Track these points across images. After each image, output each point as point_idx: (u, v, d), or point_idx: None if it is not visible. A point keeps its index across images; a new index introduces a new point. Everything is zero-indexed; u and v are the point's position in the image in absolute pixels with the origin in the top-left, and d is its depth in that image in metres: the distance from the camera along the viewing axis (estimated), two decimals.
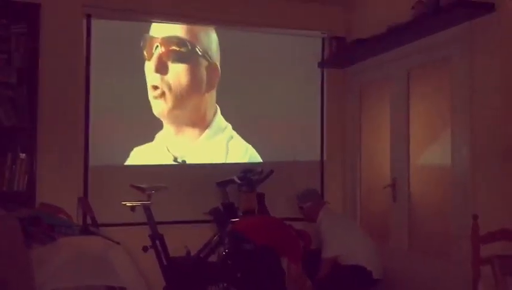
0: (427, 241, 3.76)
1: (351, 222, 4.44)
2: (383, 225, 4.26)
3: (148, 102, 4.38)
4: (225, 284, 4.19)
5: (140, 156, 4.35)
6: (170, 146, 4.43)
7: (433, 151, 3.76)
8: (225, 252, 4.24)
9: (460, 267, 3.26)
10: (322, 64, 4.87)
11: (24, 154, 3.80)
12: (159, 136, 4.40)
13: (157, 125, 4.41)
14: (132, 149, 4.34)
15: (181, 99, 4.43)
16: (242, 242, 3.80)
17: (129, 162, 4.34)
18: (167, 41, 4.42)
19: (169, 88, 4.40)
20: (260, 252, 3.71)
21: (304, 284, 4.20)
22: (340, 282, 3.85)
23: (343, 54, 4.62)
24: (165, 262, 4.04)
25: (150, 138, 4.39)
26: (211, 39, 4.58)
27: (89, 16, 4.21)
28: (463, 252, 3.21)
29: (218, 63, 4.58)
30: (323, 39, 4.89)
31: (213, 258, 4.32)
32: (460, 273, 3.24)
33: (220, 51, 4.58)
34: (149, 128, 4.38)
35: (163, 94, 4.38)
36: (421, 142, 3.89)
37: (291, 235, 3.88)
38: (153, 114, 4.39)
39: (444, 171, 3.60)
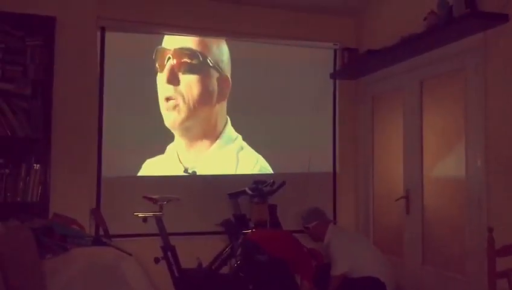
0: (441, 255, 3.70)
1: (360, 237, 4.38)
2: (396, 238, 4.21)
3: (160, 114, 4.40)
4: None
5: (152, 167, 4.37)
6: (181, 157, 4.45)
7: (447, 163, 3.72)
8: (237, 263, 4.22)
9: (475, 282, 3.21)
10: (334, 76, 4.86)
11: (38, 165, 3.83)
12: (170, 147, 4.42)
13: (168, 137, 4.43)
14: (144, 161, 4.36)
15: (193, 110, 4.46)
16: (256, 253, 3.75)
17: (141, 173, 4.35)
18: (179, 53, 4.45)
19: (183, 99, 4.43)
20: (274, 264, 3.67)
21: None
22: None
23: (355, 65, 4.62)
24: (176, 274, 4.03)
25: (162, 150, 4.41)
26: (222, 51, 4.60)
27: (103, 29, 4.27)
28: (478, 266, 3.16)
29: (229, 75, 4.60)
30: (335, 50, 4.89)
31: (225, 270, 4.30)
32: (475, 287, 3.19)
33: (231, 62, 4.61)
34: (161, 140, 4.40)
35: (176, 106, 4.41)
36: (435, 153, 3.85)
37: (303, 252, 3.85)
38: (165, 126, 4.41)
39: (458, 183, 3.56)
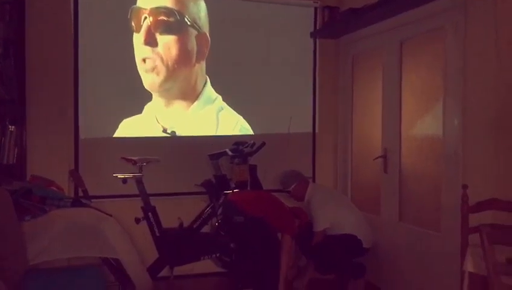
0: (417, 212, 3.80)
1: (338, 194, 4.49)
2: (373, 196, 4.30)
3: (137, 73, 4.32)
4: (218, 254, 4.25)
5: (129, 128, 4.32)
6: (160, 117, 4.40)
7: (424, 122, 3.77)
8: (218, 223, 4.27)
9: (449, 237, 3.31)
10: (314, 35, 4.81)
11: (13, 127, 3.77)
12: (148, 107, 4.36)
13: (146, 96, 4.36)
14: (121, 121, 4.31)
15: (172, 71, 4.38)
16: (233, 214, 3.84)
17: (118, 134, 4.30)
18: (155, 12, 4.33)
19: (161, 60, 4.34)
20: (251, 224, 3.74)
21: (297, 257, 4.27)
22: (332, 250, 3.91)
23: (335, 24, 4.57)
24: (157, 233, 4.07)
25: (139, 110, 4.35)
26: (199, 7, 4.49)
27: None
28: (453, 223, 3.25)
29: (207, 32, 4.51)
30: (315, 8, 4.82)
31: (206, 229, 4.36)
32: (449, 243, 3.30)
33: (210, 21, 4.51)
34: (138, 99, 4.33)
35: (154, 67, 4.32)
36: (413, 113, 3.89)
37: (284, 209, 3.92)
38: (142, 86, 4.33)
39: (435, 142, 3.61)
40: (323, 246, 3.97)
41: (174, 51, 4.36)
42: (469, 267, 2.54)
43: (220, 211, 4.15)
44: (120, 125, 4.30)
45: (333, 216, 4.01)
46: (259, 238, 3.77)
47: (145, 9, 4.31)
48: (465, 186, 2.99)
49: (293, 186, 4.21)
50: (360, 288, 3.99)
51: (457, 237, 3.06)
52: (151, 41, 4.29)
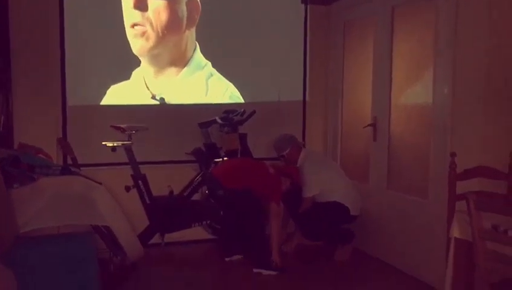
0: (405, 180, 3.84)
1: (329, 161, 4.51)
2: (363, 164, 4.33)
3: (125, 38, 4.23)
4: (208, 222, 4.29)
5: (117, 94, 4.26)
6: (148, 83, 4.34)
7: (414, 91, 3.77)
8: (208, 191, 4.29)
9: (437, 204, 3.36)
10: (305, 0, 4.73)
11: None
12: (136, 73, 4.29)
13: (134, 62, 4.29)
14: (109, 87, 4.24)
15: (162, 37, 4.30)
16: (215, 188, 3.89)
17: (106, 100, 4.25)
18: None
19: (151, 26, 4.25)
20: (231, 197, 3.80)
21: (285, 223, 4.31)
22: (320, 218, 3.96)
23: None
24: (148, 201, 4.08)
25: (127, 76, 4.28)
26: None
27: None
28: (440, 190, 3.29)
29: None
30: None
31: (196, 197, 4.38)
32: (436, 209, 3.35)
33: None
34: (126, 65, 4.26)
35: (144, 32, 4.24)
36: (404, 81, 3.88)
37: (269, 176, 3.93)
38: (130, 51, 4.25)
39: (424, 110, 3.62)
40: (311, 213, 4.01)
41: (164, 17, 4.27)
42: (455, 233, 2.59)
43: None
44: (108, 92, 4.24)
45: (323, 183, 4.05)
46: (241, 210, 3.82)
47: None
48: (453, 154, 3.02)
49: (287, 150, 4.21)
50: (347, 253, 4.06)
51: (444, 204, 3.10)
52: (141, 5, 4.19)
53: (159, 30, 4.25)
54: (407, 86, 3.83)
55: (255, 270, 3.73)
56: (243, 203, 3.79)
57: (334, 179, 4.12)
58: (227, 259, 3.98)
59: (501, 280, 2.33)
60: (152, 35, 4.24)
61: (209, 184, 4.10)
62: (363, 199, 4.14)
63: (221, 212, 4.09)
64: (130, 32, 4.22)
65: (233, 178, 3.82)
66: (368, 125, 4.17)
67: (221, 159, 4.27)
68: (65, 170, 3.46)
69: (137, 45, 4.24)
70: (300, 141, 4.54)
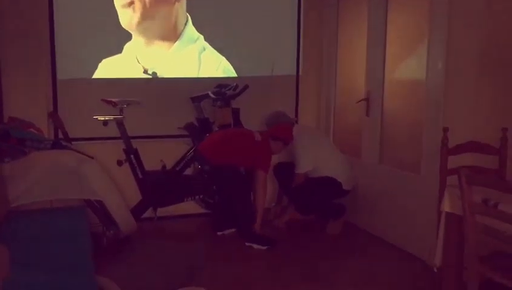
0: (398, 155, 3.86)
1: (322, 137, 4.51)
2: (355, 139, 4.34)
3: (116, 11, 4.15)
4: (201, 196, 4.30)
5: (109, 68, 4.20)
6: (140, 57, 4.28)
7: (408, 66, 3.75)
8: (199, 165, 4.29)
9: (429, 179, 3.38)
10: None
11: None
12: (127, 47, 4.23)
13: (125, 36, 4.22)
14: (100, 61, 4.18)
15: (150, 8, 4.21)
16: (202, 163, 3.94)
17: (98, 74, 4.19)
18: None
19: None
20: (216, 171, 3.83)
21: (279, 197, 4.35)
22: (312, 192, 3.99)
23: None
24: (140, 176, 4.08)
25: (119, 50, 4.22)
26: None
27: None
28: (432, 165, 3.31)
29: None
30: None
31: (189, 171, 4.38)
32: (428, 184, 3.37)
33: None
34: (118, 38, 4.19)
35: (131, 2, 4.15)
36: (397, 56, 3.85)
37: (256, 144, 3.90)
38: (121, 25, 4.18)
39: (418, 85, 3.61)
40: (304, 188, 4.03)
41: None
42: (446, 207, 2.61)
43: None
44: (99, 65, 4.18)
45: (315, 159, 4.05)
46: (226, 185, 3.86)
47: None
48: (445, 129, 3.02)
49: None
50: (338, 227, 4.11)
51: (436, 178, 3.12)
52: None
53: (147, 1, 4.16)
54: (401, 61, 3.81)
55: (247, 244, 3.76)
56: (227, 178, 3.81)
57: (327, 155, 4.13)
58: (219, 233, 4.00)
59: (490, 253, 2.37)
60: (139, 6, 4.15)
61: (197, 160, 4.12)
62: (355, 174, 4.16)
63: (214, 187, 4.10)
64: (117, 2, 4.13)
65: (218, 153, 3.82)
66: (361, 100, 4.16)
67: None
68: (56, 144, 3.45)
69: (126, 17, 4.16)
70: (292, 117, 4.52)
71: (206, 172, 4.00)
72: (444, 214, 2.64)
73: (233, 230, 3.99)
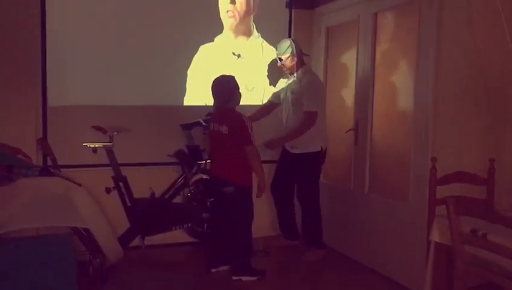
0: (386, 184, 3.87)
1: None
2: (344, 168, 4.35)
3: (107, 40, 4.18)
4: (190, 225, 4.26)
5: (101, 96, 4.21)
6: (229, 45, 4.60)
7: (396, 95, 3.80)
8: (190, 193, 4.27)
9: (417, 208, 3.39)
10: (289, 4, 4.75)
11: None
12: (219, 37, 4.55)
13: (117, 64, 4.24)
14: (91, 89, 4.19)
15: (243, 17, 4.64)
16: (223, 186, 3.65)
17: (89, 102, 4.19)
18: None
19: (237, 11, 4.59)
20: (237, 192, 3.64)
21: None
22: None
23: None
24: (129, 203, 4.04)
25: (109, 76, 4.22)
26: None
27: None
28: (421, 194, 3.33)
29: None
30: None
31: (178, 200, 4.35)
32: (417, 213, 3.38)
33: None
34: (108, 65, 4.21)
35: (234, 15, 4.58)
36: (386, 86, 3.91)
37: (230, 124, 3.63)
38: (111, 52, 4.20)
39: (406, 115, 3.66)
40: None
41: (243, 6, 4.65)
42: (435, 237, 2.62)
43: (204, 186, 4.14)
44: (200, 49, 4.46)
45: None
46: (238, 206, 3.67)
47: None
48: (433, 159, 3.06)
49: (286, 55, 4.08)
50: (317, 255, 4.09)
51: (424, 208, 3.13)
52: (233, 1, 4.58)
53: (241, 14, 4.61)
54: (390, 90, 3.87)
55: (234, 278, 3.65)
56: (241, 201, 3.64)
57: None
58: (213, 270, 3.80)
59: (479, 283, 2.36)
60: (237, 17, 4.59)
61: (214, 186, 3.82)
62: (345, 203, 4.17)
63: (204, 215, 4.06)
64: (224, 15, 4.55)
65: (230, 167, 3.63)
66: (350, 129, 4.20)
67: (204, 162, 4.25)
68: (44, 171, 3.41)
69: (229, 23, 4.59)
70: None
71: (222, 196, 3.70)
72: (433, 244, 2.65)
73: (226, 267, 3.80)
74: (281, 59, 4.14)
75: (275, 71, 4.51)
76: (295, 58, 4.08)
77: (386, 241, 3.77)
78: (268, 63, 4.66)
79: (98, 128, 3.92)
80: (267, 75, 4.70)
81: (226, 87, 3.69)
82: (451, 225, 2.25)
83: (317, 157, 4.12)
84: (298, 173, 4.15)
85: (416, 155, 3.49)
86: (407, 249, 3.52)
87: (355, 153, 4.19)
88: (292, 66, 4.11)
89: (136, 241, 4.09)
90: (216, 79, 3.75)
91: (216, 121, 3.72)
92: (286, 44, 4.11)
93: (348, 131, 4.22)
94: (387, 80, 3.91)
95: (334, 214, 4.36)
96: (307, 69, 4.19)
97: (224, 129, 3.62)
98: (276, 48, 4.27)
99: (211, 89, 3.74)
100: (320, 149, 4.11)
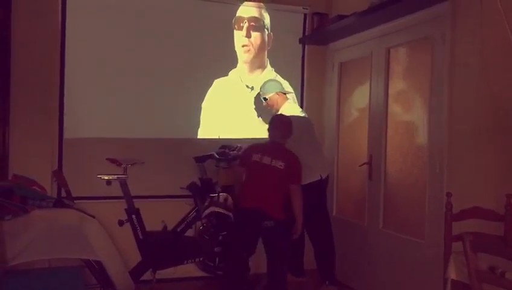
0: (401, 220, 3.82)
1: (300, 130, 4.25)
2: (358, 203, 4.31)
3: (122, 74, 4.28)
4: (201, 259, 4.22)
5: (116, 128, 4.27)
6: (242, 78, 4.71)
7: (410, 130, 3.79)
8: (202, 226, 4.25)
9: (433, 245, 3.33)
10: (303, 40, 4.83)
11: None
12: (233, 71, 4.64)
13: (133, 98, 4.33)
14: (107, 121, 4.26)
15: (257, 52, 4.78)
16: (262, 220, 3.55)
17: (104, 134, 4.25)
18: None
19: (252, 45, 4.74)
20: (282, 224, 3.58)
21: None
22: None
23: (324, 30, 4.59)
24: (141, 236, 4.03)
25: (126, 109, 4.31)
26: None
27: None
28: (437, 230, 3.27)
29: None
30: (305, 15, 4.84)
31: (190, 233, 4.32)
32: (433, 250, 3.31)
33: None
34: (126, 98, 4.31)
35: (249, 49, 4.73)
36: (399, 120, 3.91)
37: (289, 165, 3.63)
38: (127, 86, 4.30)
39: (420, 150, 3.64)
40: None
41: (258, 40, 4.78)
42: (452, 274, 2.55)
43: (206, 211, 4.12)
44: (214, 83, 4.54)
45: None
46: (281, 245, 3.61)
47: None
48: (449, 194, 3.01)
49: (270, 94, 4.27)
50: None
51: (440, 244, 3.07)
52: (248, 35, 4.71)
53: (256, 47, 4.73)
54: (404, 125, 3.87)
55: None
56: (285, 234, 3.58)
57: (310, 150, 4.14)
58: None
59: None
60: (252, 51, 4.70)
61: (255, 218, 3.61)
62: (360, 238, 4.10)
63: (216, 249, 4.01)
64: (239, 49, 4.68)
65: (272, 202, 3.56)
66: (364, 163, 4.18)
67: (216, 195, 4.24)
68: (58, 203, 3.44)
69: (244, 56, 4.71)
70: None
71: (267, 228, 3.56)
72: (449, 282, 2.58)
73: None
74: (265, 99, 4.30)
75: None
76: (279, 96, 4.28)
77: (401, 278, 3.69)
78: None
79: (113, 161, 3.96)
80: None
81: (287, 125, 3.80)
82: (468, 262, 2.20)
83: (318, 186, 4.10)
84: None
85: (431, 190, 3.45)
86: (423, 286, 3.43)
87: (369, 188, 4.15)
88: (277, 103, 4.27)
89: (147, 275, 4.06)
90: (278, 115, 4.00)
91: (266, 154, 3.66)
92: (269, 84, 4.33)
93: (362, 165, 4.20)
94: (400, 115, 3.91)
95: (348, 250, 4.30)
96: (289, 104, 4.31)
97: (279, 164, 3.59)
98: (260, 89, 4.41)
99: (270, 122, 3.84)
100: (320, 178, 4.10)
